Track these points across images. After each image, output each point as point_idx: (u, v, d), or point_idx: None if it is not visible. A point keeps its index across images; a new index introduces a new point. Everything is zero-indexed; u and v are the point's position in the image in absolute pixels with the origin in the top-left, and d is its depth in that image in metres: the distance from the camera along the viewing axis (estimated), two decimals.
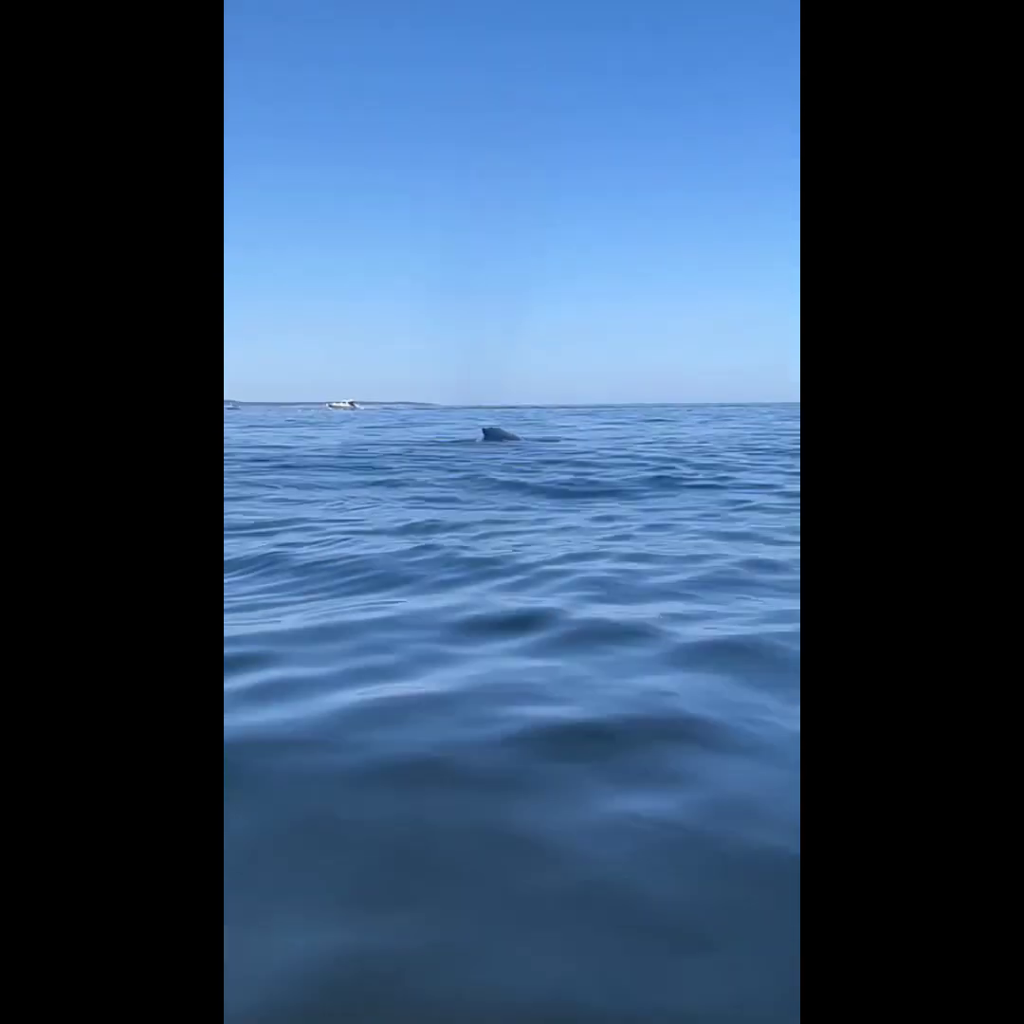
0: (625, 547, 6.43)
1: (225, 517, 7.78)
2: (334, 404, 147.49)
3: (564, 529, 7.49)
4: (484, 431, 25.35)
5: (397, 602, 4.66)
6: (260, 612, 4.52)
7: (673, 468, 14.15)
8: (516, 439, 24.70)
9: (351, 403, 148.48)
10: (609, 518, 8.23)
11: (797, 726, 2.81)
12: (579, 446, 21.22)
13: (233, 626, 4.06)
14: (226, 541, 6.56)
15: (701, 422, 43.52)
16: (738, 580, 5.15)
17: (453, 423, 45.95)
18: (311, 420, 56.11)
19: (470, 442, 24.40)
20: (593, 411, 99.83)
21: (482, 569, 5.51)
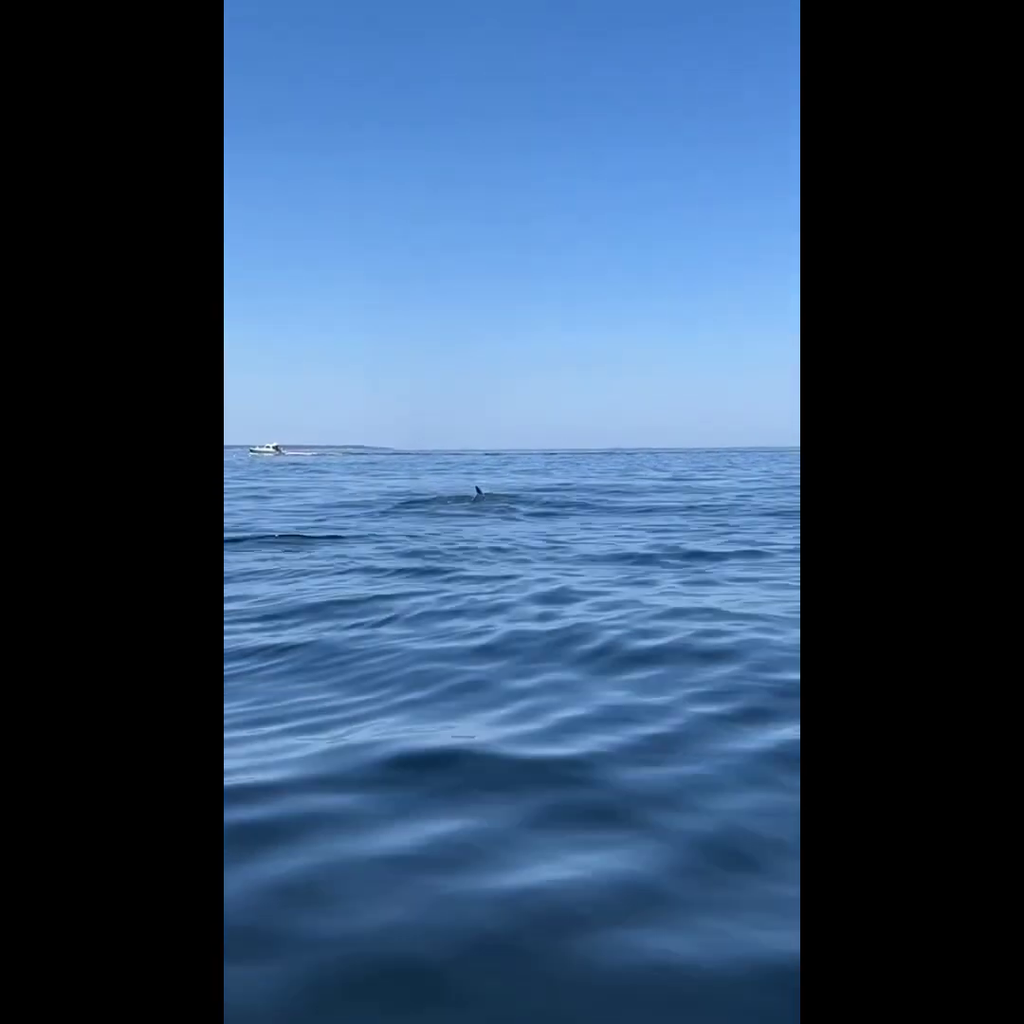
0: None
1: None
2: (257, 448, 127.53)
3: None
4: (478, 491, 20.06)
5: None
6: None
7: None
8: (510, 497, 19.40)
9: (275, 447, 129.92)
10: None
11: None
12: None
13: None
14: None
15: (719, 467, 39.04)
16: None
17: (418, 471, 40.12)
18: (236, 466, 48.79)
19: (466, 499, 18.95)
20: (570, 456, 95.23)
21: None
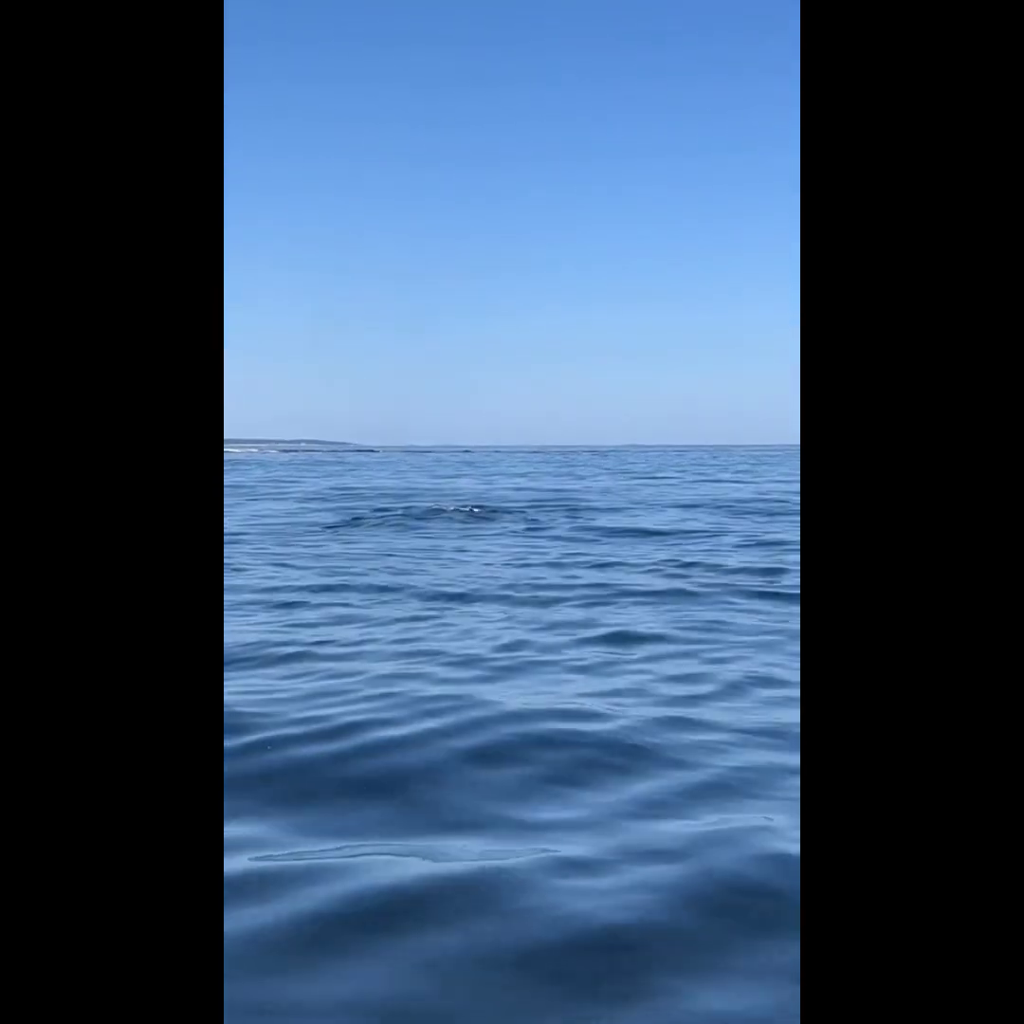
0: None
1: None
2: None
3: None
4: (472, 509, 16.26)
5: None
6: None
7: None
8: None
9: None
10: None
11: None
12: None
13: None
14: None
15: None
16: None
17: (378, 475, 36.01)
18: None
19: (440, 512, 15.39)
20: (562, 454, 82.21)
21: None
